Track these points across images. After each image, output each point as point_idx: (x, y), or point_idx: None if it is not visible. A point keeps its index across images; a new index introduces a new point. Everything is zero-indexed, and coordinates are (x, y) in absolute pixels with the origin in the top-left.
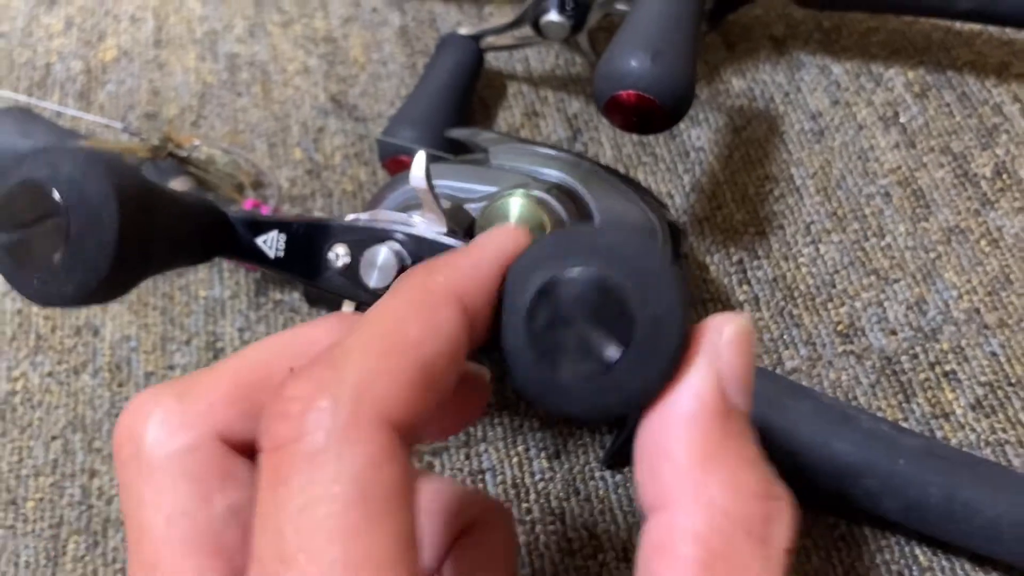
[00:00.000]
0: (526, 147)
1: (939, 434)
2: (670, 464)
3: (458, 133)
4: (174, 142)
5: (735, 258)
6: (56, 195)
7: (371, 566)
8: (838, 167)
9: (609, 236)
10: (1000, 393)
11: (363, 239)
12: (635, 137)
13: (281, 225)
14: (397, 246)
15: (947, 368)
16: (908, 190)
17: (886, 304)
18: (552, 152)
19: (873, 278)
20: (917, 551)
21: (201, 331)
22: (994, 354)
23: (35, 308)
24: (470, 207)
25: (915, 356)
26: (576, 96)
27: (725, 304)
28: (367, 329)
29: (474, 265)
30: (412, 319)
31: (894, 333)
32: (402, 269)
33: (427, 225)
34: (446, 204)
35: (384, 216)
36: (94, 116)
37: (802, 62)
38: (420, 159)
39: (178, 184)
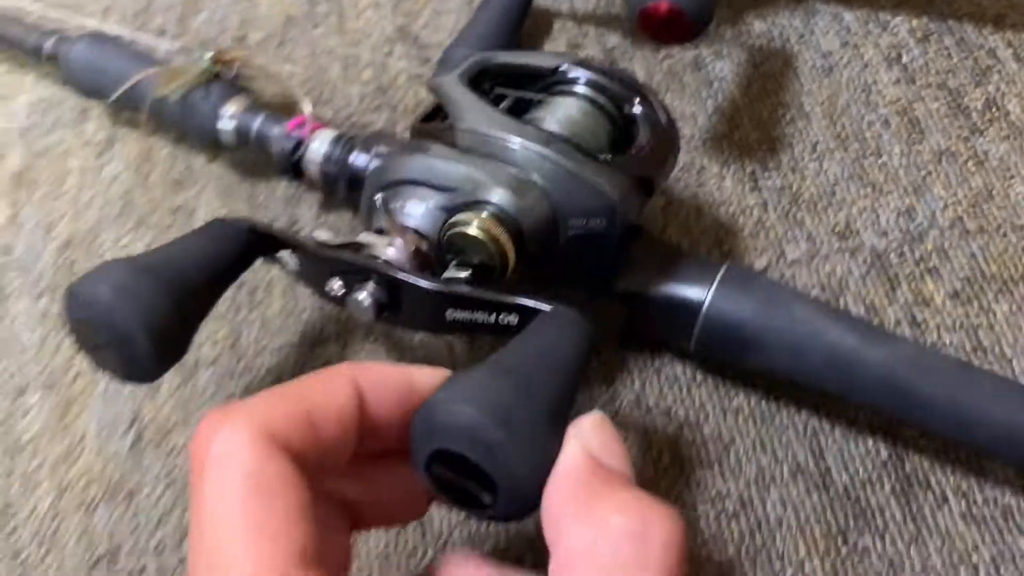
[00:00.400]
0: (489, 135)
1: (920, 318)
2: (563, 508)
3: (435, 83)
4: (222, 63)
5: (748, 170)
6: (96, 333)
7: (267, 532)
8: (844, 97)
9: (481, 414)
10: (976, 286)
11: (349, 273)
12: (664, 66)
13: (290, 245)
14: (374, 288)
15: (930, 264)
16: (905, 118)
17: (879, 211)
18: (512, 144)
19: (869, 189)
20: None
21: (282, 215)
22: (973, 255)
23: (139, 188)
24: (435, 203)
25: (902, 254)
26: (614, 31)
27: (736, 208)
28: (279, 387)
29: (379, 373)
30: (310, 381)
31: (885, 235)
32: (379, 308)
33: (398, 252)
34: (422, 204)
35: (365, 241)
36: (153, 38)
37: (817, 9)
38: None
39: (235, 103)
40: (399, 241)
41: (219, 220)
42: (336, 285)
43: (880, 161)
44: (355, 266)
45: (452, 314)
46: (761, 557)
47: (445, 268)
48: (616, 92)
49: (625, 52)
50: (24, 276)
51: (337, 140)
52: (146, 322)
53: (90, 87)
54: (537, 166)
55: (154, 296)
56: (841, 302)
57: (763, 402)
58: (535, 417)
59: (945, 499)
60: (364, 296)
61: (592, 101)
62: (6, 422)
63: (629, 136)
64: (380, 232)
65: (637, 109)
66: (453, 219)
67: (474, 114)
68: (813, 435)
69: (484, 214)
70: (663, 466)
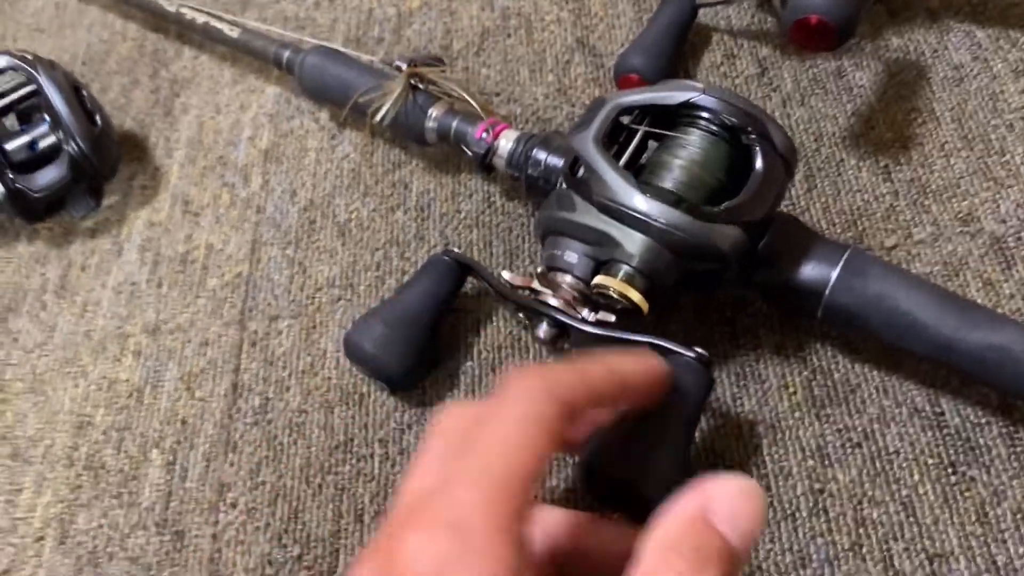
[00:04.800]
0: (622, 205)
1: None
2: (655, 543)
3: (573, 140)
4: (420, 77)
5: (882, 164)
6: (367, 372)
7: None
8: (972, 104)
9: (633, 475)
10: None
11: (527, 311)
12: (811, 74)
13: (484, 280)
14: (548, 326)
15: None
16: None
17: (1000, 202)
18: (640, 215)
19: (991, 183)
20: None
21: (479, 190)
22: None
23: (365, 166)
24: (583, 252)
25: (1019, 238)
26: (765, 44)
27: (871, 195)
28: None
29: (581, 381)
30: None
31: (1004, 222)
32: (554, 338)
33: (559, 301)
34: (575, 254)
35: (537, 287)
36: (364, 56)
37: (951, 27)
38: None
39: (437, 109)
40: (560, 292)
41: (436, 257)
42: (521, 315)
43: (1003, 160)
44: (532, 309)
45: (608, 344)
46: (880, 479)
47: (600, 303)
48: (734, 124)
49: (775, 62)
50: (275, 230)
51: (520, 139)
52: (401, 367)
53: (318, 97)
54: (662, 235)
55: (403, 346)
56: (960, 276)
57: (887, 355)
58: (669, 465)
59: None
60: (543, 330)
61: (713, 133)
62: (263, 340)
63: (749, 161)
64: (551, 269)
65: (751, 139)
66: (596, 280)
67: (607, 182)
68: (931, 383)
69: (620, 275)
70: (796, 401)
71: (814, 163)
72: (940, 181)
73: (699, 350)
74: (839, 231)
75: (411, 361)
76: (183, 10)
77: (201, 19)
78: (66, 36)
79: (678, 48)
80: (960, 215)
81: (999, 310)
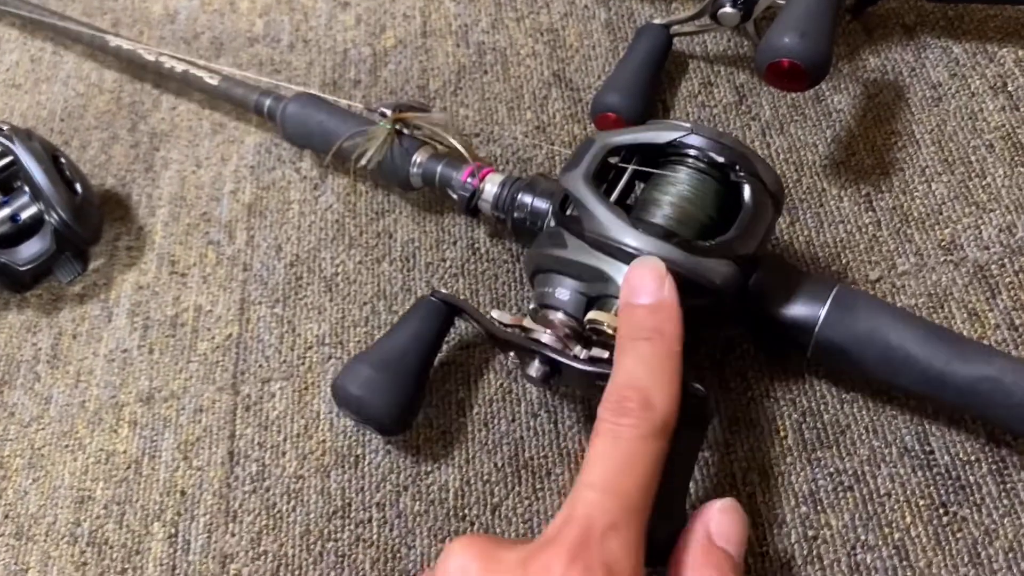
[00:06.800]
0: (613, 239)
1: (1018, 322)
2: (676, 564)
3: (564, 181)
4: (405, 122)
5: (863, 192)
6: (355, 417)
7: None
8: (951, 125)
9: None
10: None
11: (518, 350)
12: (788, 100)
13: (474, 320)
14: (539, 364)
15: None
16: (1009, 142)
17: (982, 227)
18: (631, 250)
19: (973, 208)
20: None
21: (463, 236)
22: None
23: (348, 216)
24: (575, 288)
25: (1003, 265)
26: (742, 70)
27: (853, 225)
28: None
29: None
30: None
31: (987, 248)
32: (545, 376)
33: (551, 338)
34: (566, 291)
35: (528, 326)
36: (347, 101)
37: (928, 44)
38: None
39: (422, 154)
40: (553, 330)
41: (423, 299)
42: (511, 357)
43: (984, 182)
44: (523, 347)
45: (601, 383)
46: (872, 523)
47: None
48: (722, 162)
49: (753, 88)
50: (262, 288)
51: (504, 183)
52: (389, 411)
53: (301, 143)
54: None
55: (392, 388)
56: (945, 308)
57: (876, 394)
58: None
59: None
60: (534, 369)
61: (701, 171)
62: (256, 405)
63: (738, 198)
64: (542, 307)
65: (740, 176)
66: (590, 316)
67: (598, 219)
68: (919, 422)
69: (614, 310)
70: (787, 445)
71: (796, 194)
72: (922, 208)
73: (696, 386)
74: (823, 265)
75: (398, 403)
76: (162, 59)
77: (181, 68)
78: (42, 91)
79: (654, 80)
80: (943, 243)
81: (985, 341)
